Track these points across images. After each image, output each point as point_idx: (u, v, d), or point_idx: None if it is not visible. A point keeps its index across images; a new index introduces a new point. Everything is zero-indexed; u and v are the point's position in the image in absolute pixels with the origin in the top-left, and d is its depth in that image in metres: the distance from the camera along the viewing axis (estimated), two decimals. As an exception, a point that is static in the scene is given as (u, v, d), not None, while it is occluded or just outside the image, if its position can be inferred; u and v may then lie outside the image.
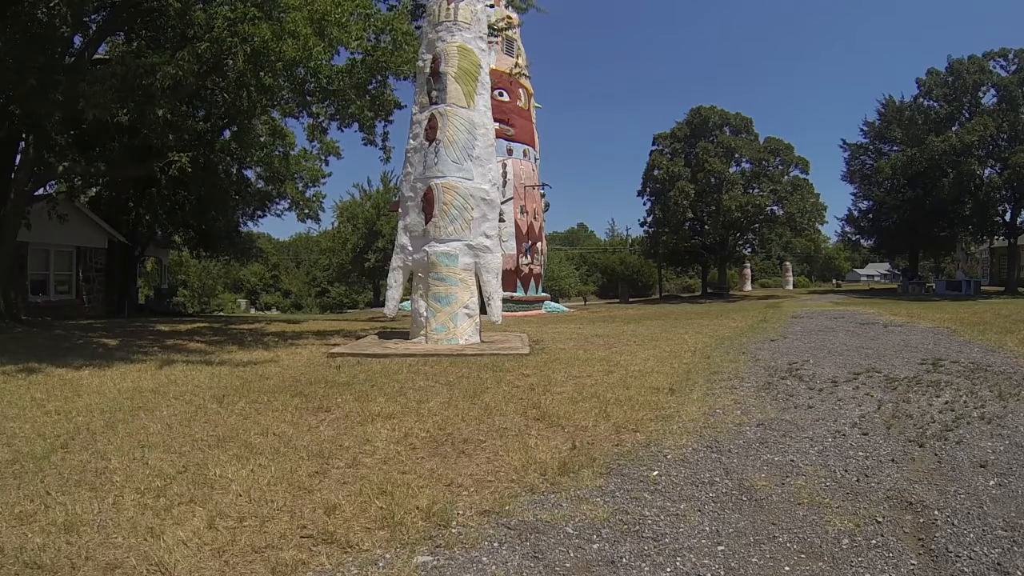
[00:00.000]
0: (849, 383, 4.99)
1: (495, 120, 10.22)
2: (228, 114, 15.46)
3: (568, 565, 2.03)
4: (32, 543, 2.16)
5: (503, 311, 8.91)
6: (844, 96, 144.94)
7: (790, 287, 51.43)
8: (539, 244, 22.74)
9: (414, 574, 1.99)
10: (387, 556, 2.10)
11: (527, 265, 21.79)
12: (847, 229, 41.96)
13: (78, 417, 4.09)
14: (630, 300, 38.10)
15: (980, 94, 32.15)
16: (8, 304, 13.23)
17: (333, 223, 50.29)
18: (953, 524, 2.27)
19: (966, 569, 1.97)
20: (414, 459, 3.15)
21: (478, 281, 8.36)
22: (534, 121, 23.26)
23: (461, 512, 2.46)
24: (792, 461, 3.04)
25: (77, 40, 13.11)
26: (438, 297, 8.16)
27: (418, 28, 11.87)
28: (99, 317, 17.50)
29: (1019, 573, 1.93)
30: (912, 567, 1.99)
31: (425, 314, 8.20)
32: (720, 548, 2.14)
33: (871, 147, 39.25)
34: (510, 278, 19.11)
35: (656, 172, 36.39)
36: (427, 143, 8.44)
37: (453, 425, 3.77)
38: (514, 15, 21.81)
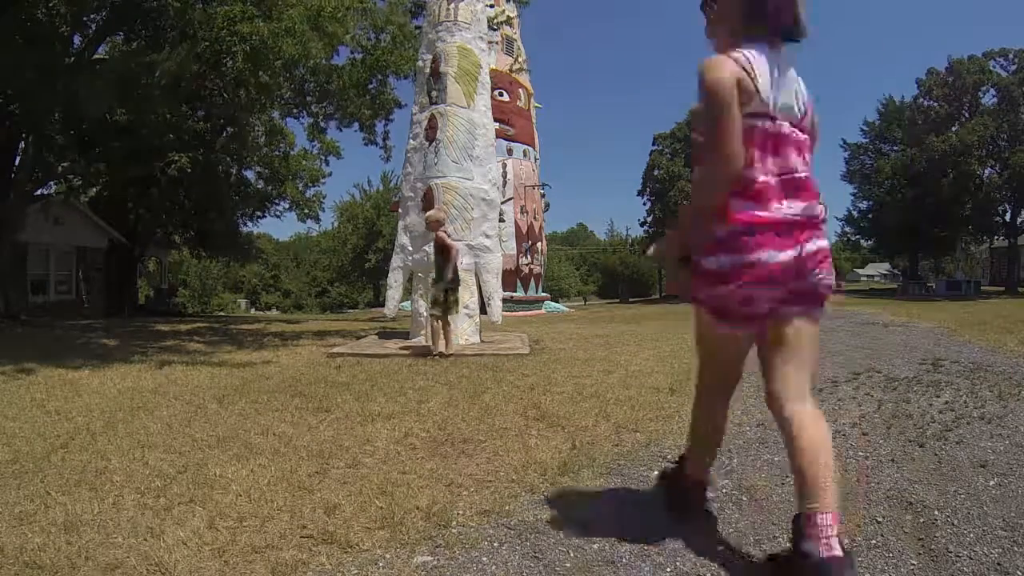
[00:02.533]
0: (849, 383, 4.99)
1: (495, 120, 10.22)
2: (227, 114, 15.48)
3: (568, 565, 2.03)
4: (32, 543, 2.16)
5: (503, 311, 8.91)
6: (844, 96, 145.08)
7: (790, 287, 51.34)
8: (539, 244, 22.74)
9: (414, 574, 1.99)
10: (387, 556, 2.10)
11: (527, 265, 21.79)
12: (847, 229, 41.99)
13: (78, 417, 4.09)
14: (630, 300, 38.10)
15: (980, 94, 32.15)
16: (8, 304, 13.23)
17: (333, 223, 50.35)
18: (953, 524, 2.27)
19: (966, 569, 1.97)
20: (414, 459, 3.15)
21: (478, 281, 8.36)
22: (534, 121, 23.25)
23: (461, 512, 2.46)
24: (792, 461, 3.03)
25: (77, 40, 13.11)
26: (438, 297, 8.16)
27: (418, 28, 11.88)
28: (99, 317, 17.50)
29: (1019, 573, 1.93)
30: (912, 567, 1.99)
31: (425, 314, 8.19)
32: (720, 548, 2.14)
33: (871, 147, 39.27)
34: (510, 278, 19.11)
35: (656, 172, 36.43)
36: (427, 143, 8.44)
37: (453, 425, 3.77)
38: (513, 12, 21.82)
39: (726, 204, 1.79)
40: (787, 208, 1.79)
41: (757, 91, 1.75)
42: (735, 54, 1.77)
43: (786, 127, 1.83)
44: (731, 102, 1.71)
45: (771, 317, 1.86)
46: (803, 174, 1.84)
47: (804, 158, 1.87)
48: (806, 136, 1.89)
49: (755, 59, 1.77)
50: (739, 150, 1.73)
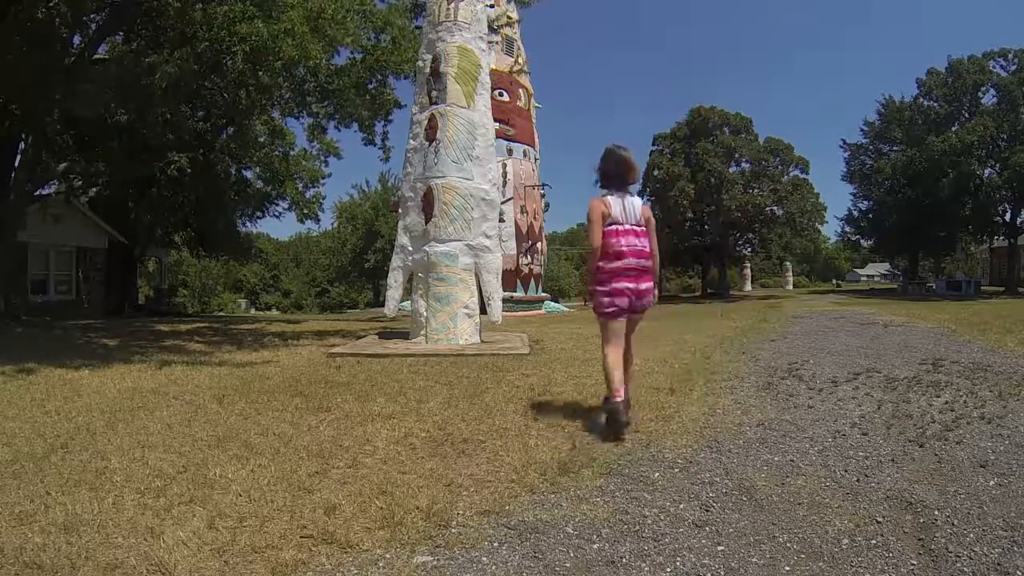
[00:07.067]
0: (849, 383, 4.99)
1: (495, 120, 10.22)
2: (227, 114, 15.47)
3: (568, 565, 2.03)
4: (32, 543, 2.16)
5: (503, 311, 8.91)
6: (844, 96, 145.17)
7: (790, 287, 51.41)
8: (539, 244, 22.72)
9: (414, 574, 1.99)
10: (387, 556, 2.10)
11: (527, 265, 21.77)
12: (847, 229, 41.94)
13: (78, 417, 4.09)
14: (630, 300, 38.01)
15: (980, 94, 32.12)
16: (8, 304, 13.23)
17: (333, 224, 50.34)
18: (953, 524, 2.27)
19: (966, 569, 1.97)
20: (414, 459, 3.15)
21: (478, 281, 8.36)
22: (534, 121, 23.22)
23: (461, 512, 2.46)
24: (792, 461, 3.04)
25: (77, 40, 13.11)
26: (438, 297, 8.16)
27: (418, 28, 11.88)
28: (99, 317, 17.49)
29: (1019, 573, 1.93)
30: (912, 567, 1.99)
31: (425, 314, 8.20)
32: (720, 548, 2.14)
33: (871, 147, 39.23)
34: (510, 278, 19.09)
35: (656, 172, 36.39)
36: (427, 143, 8.43)
37: (453, 425, 3.77)
38: (514, 13, 21.80)
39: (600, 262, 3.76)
40: (633, 260, 3.73)
41: (610, 213, 3.72)
42: (605, 201, 3.76)
43: (629, 225, 3.76)
44: (596, 218, 3.73)
45: (630, 313, 3.82)
46: (644, 244, 3.79)
47: (643, 240, 3.79)
48: (644, 229, 3.82)
49: (610, 198, 3.76)
50: (598, 239, 3.72)
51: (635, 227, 3.78)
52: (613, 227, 3.73)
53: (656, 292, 3.93)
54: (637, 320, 3.97)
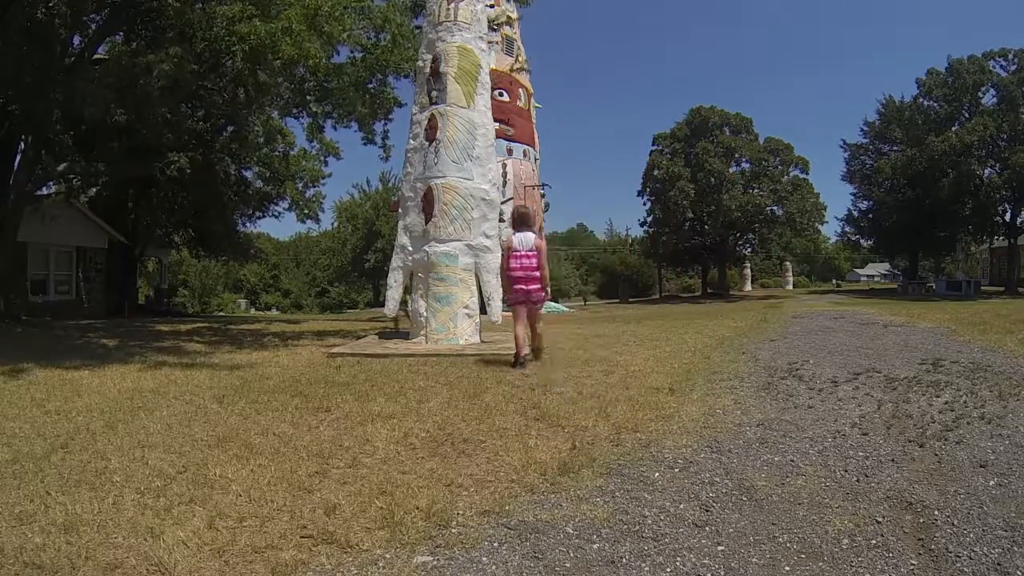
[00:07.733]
0: (849, 383, 4.99)
1: (495, 120, 10.20)
2: (226, 114, 15.44)
3: (568, 565, 2.03)
4: (32, 543, 2.16)
5: (503, 311, 8.90)
6: (844, 96, 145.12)
7: (790, 287, 51.40)
8: (539, 244, 22.68)
9: (414, 574, 1.99)
10: (387, 556, 2.10)
11: (527, 265, 21.73)
12: (847, 229, 41.98)
13: (78, 417, 4.09)
14: (630, 300, 38.08)
15: (980, 94, 32.11)
16: (8, 304, 13.22)
17: (333, 223, 50.34)
18: (953, 524, 2.27)
19: (966, 569, 1.97)
20: (414, 459, 3.15)
21: (478, 281, 8.36)
22: (534, 121, 23.21)
23: (461, 512, 2.46)
24: (792, 461, 3.04)
25: (77, 40, 13.09)
26: (438, 297, 8.15)
27: (418, 28, 11.87)
28: (99, 317, 17.49)
29: (1019, 573, 1.93)
30: (912, 567, 1.99)
31: (425, 314, 8.19)
32: (720, 548, 2.14)
33: (871, 147, 39.23)
34: (510, 278, 19.07)
35: (656, 172, 36.39)
36: (427, 143, 8.43)
37: (453, 425, 3.77)
38: (513, 13, 21.79)
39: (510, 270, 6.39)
40: (521, 272, 6.29)
41: (512, 245, 6.36)
42: (510, 236, 6.45)
43: (523, 252, 6.30)
44: (505, 248, 6.56)
45: (526, 304, 6.36)
46: (531, 262, 6.28)
47: (531, 260, 6.27)
48: (534, 253, 6.30)
49: (513, 235, 6.43)
50: (505, 262, 6.52)
51: (527, 253, 6.28)
52: (514, 253, 6.27)
53: (544, 292, 6.36)
54: (536, 309, 6.42)
